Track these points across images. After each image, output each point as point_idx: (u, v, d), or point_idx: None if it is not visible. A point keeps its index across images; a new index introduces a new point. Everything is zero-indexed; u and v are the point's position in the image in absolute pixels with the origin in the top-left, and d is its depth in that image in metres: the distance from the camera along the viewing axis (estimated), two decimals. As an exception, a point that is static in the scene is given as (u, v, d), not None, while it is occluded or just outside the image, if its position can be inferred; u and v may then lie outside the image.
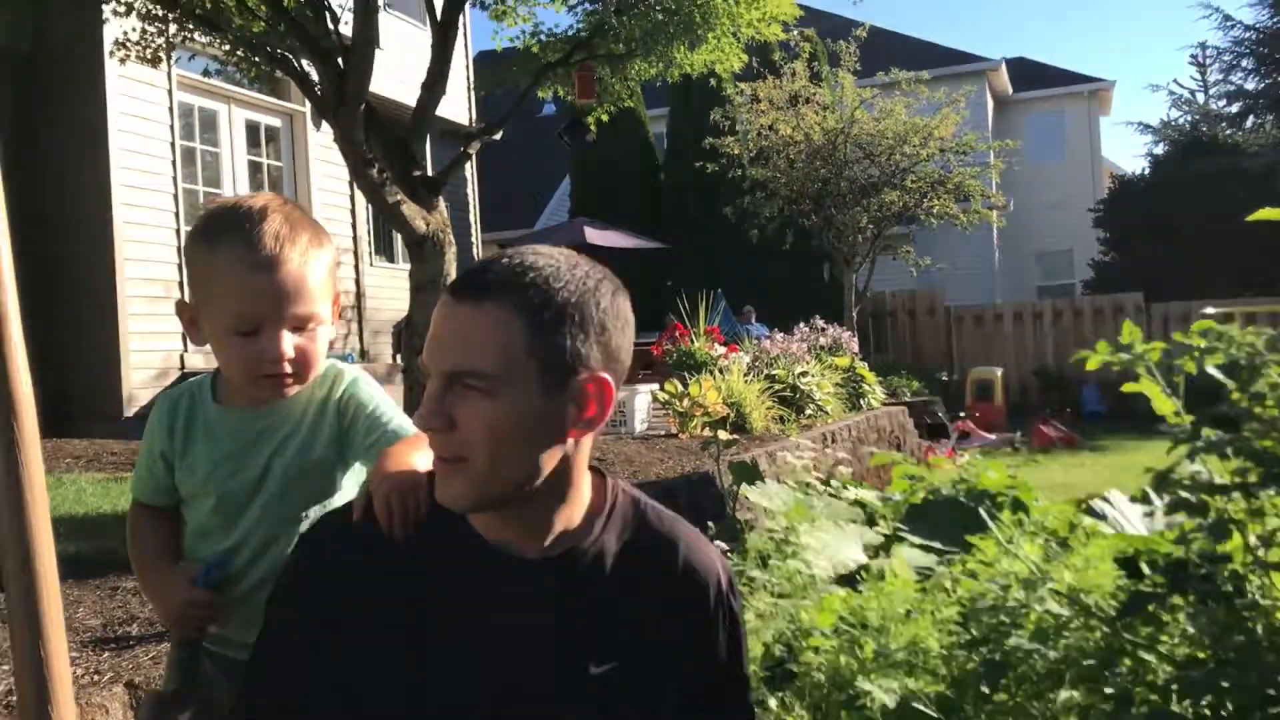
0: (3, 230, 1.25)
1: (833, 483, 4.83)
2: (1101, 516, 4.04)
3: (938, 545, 4.19)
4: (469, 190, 15.97)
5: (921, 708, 2.60)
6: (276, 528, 1.71)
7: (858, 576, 3.82)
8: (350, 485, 1.76)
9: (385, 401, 1.75)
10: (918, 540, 4.10)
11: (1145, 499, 4.79)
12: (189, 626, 1.70)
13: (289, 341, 1.63)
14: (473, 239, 15.88)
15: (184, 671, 1.73)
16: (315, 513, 1.72)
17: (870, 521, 4.68)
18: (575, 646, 1.46)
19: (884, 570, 3.43)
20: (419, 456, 1.56)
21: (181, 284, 10.17)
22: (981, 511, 2.99)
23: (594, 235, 16.89)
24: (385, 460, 1.56)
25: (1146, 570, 3.35)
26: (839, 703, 2.75)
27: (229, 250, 1.60)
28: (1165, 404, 2.82)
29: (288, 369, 1.64)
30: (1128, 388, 2.92)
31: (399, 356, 13.55)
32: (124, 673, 2.73)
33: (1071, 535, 3.40)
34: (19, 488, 1.21)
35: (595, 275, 1.46)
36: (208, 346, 1.67)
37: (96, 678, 2.70)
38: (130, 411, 9.67)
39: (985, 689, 2.45)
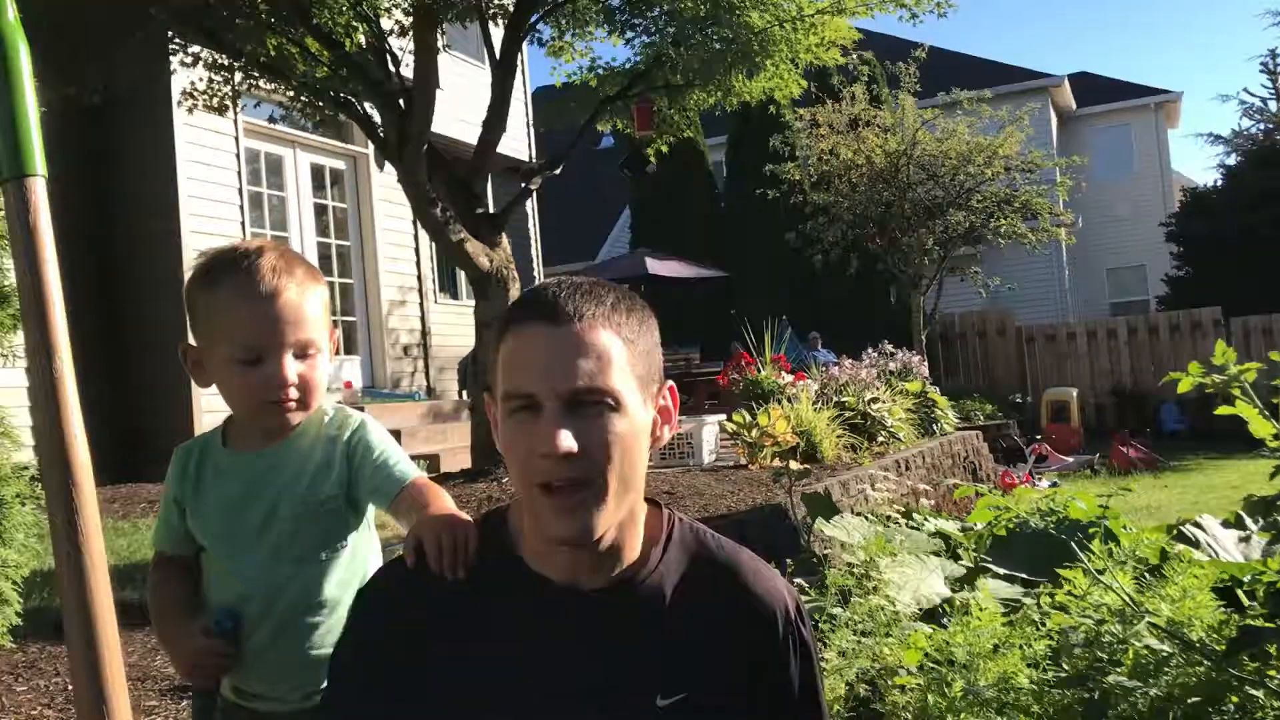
0: (57, 294, 1.22)
1: (913, 515, 4.70)
2: (1194, 543, 3.88)
3: (1023, 576, 4.06)
4: (530, 225, 16.06)
5: (1016, 750, 2.49)
6: (289, 570, 1.72)
7: (941, 610, 3.70)
8: (365, 531, 1.80)
9: (393, 447, 1.78)
10: (1002, 572, 3.97)
11: (1239, 523, 4.61)
12: (204, 676, 1.72)
13: (291, 367, 1.68)
14: (534, 273, 15.94)
15: (200, 718, 1.76)
16: (326, 556, 1.74)
17: (951, 553, 4.54)
18: (641, 679, 1.43)
19: (969, 604, 3.30)
20: (445, 500, 1.63)
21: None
22: (1072, 544, 2.85)
23: (655, 266, 16.88)
24: (424, 505, 1.61)
25: (1246, 600, 3.19)
26: (929, 744, 2.64)
27: (229, 286, 1.67)
28: (1264, 426, 2.69)
29: (292, 394, 1.69)
30: (1222, 410, 2.79)
31: (464, 393, 13.61)
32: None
33: (1165, 564, 3.26)
34: (80, 557, 1.18)
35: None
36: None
37: (174, 727, 2.68)
38: (204, 455, 9.78)
39: (1083, 730, 2.33)
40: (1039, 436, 14.28)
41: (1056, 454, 13.57)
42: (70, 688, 3.15)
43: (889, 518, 4.43)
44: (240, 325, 1.66)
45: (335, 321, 1.75)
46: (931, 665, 2.85)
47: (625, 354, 1.40)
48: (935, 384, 12.28)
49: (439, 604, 1.46)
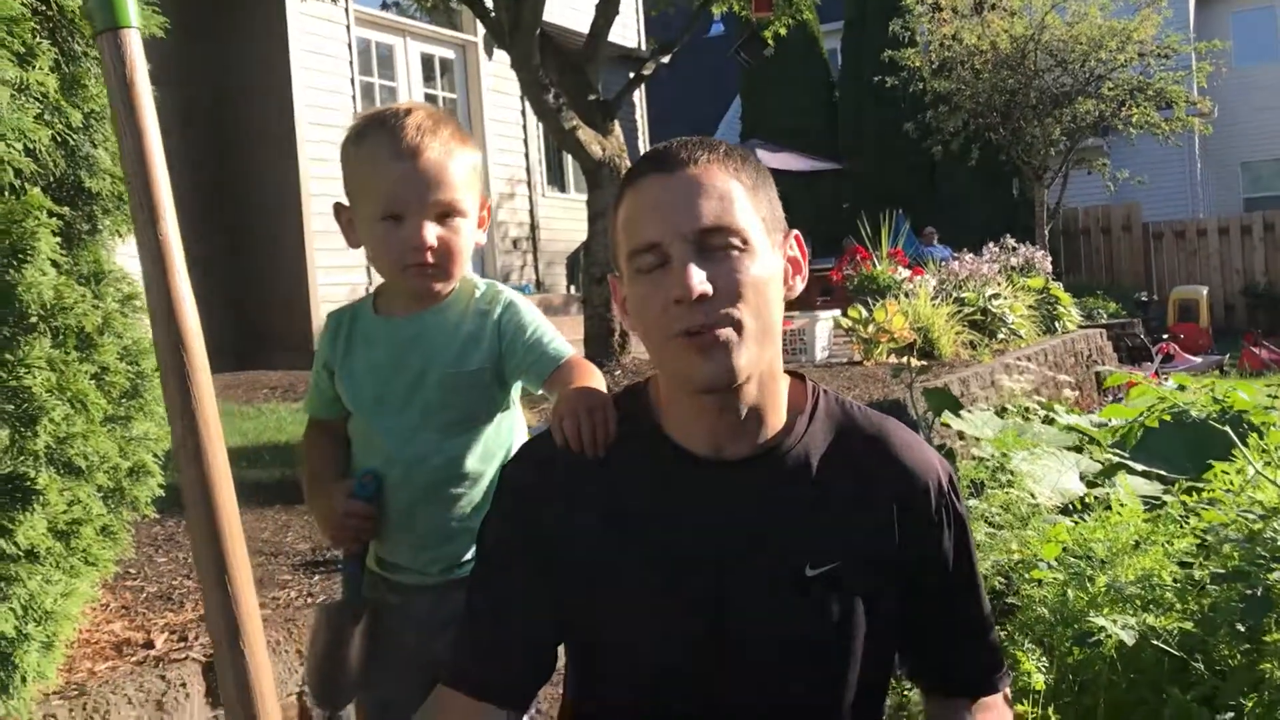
0: (159, 153, 1.15)
1: (1046, 408, 4.52)
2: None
3: (1160, 473, 3.89)
4: (637, 115, 15.80)
5: (1163, 646, 2.37)
6: (434, 438, 1.71)
7: (1074, 507, 3.56)
8: (510, 407, 1.79)
9: (545, 325, 1.76)
10: (1140, 468, 3.81)
11: (1400, 422, 4.33)
12: (347, 539, 1.72)
13: (431, 230, 1.64)
14: (628, 163, 15.72)
15: (349, 584, 1.76)
16: (471, 428, 1.73)
17: (1079, 449, 4.37)
18: (789, 547, 1.40)
19: (1108, 499, 3.16)
20: (595, 378, 1.62)
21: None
22: (1231, 434, 2.68)
23: (767, 157, 16.53)
24: (565, 384, 1.60)
25: None
26: (1068, 638, 2.53)
27: (374, 143, 1.65)
28: None
29: (430, 258, 1.65)
30: None
31: (573, 287, 13.61)
32: (336, 592, 2.76)
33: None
34: (195, 425, 1.13)
35: None
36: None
37: (310, 599, 2.74)
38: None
39: (1241, 627, 2.21)
40: (1165, 336, 13.76)
41: (1184, 354, 13.06)
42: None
43: (1026, 409, 4.27)
44: (382, 182, 1.63)
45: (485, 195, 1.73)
46: (1072, 560, 2.73)
47: (746, 195, 1.37)
48: (1057, 280, 11.87)
49: (582, 478, 1.45)
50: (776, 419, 1.43)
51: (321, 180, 10.13)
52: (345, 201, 1.73)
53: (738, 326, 1.32)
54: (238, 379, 8.10)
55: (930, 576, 1.47)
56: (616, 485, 1.44)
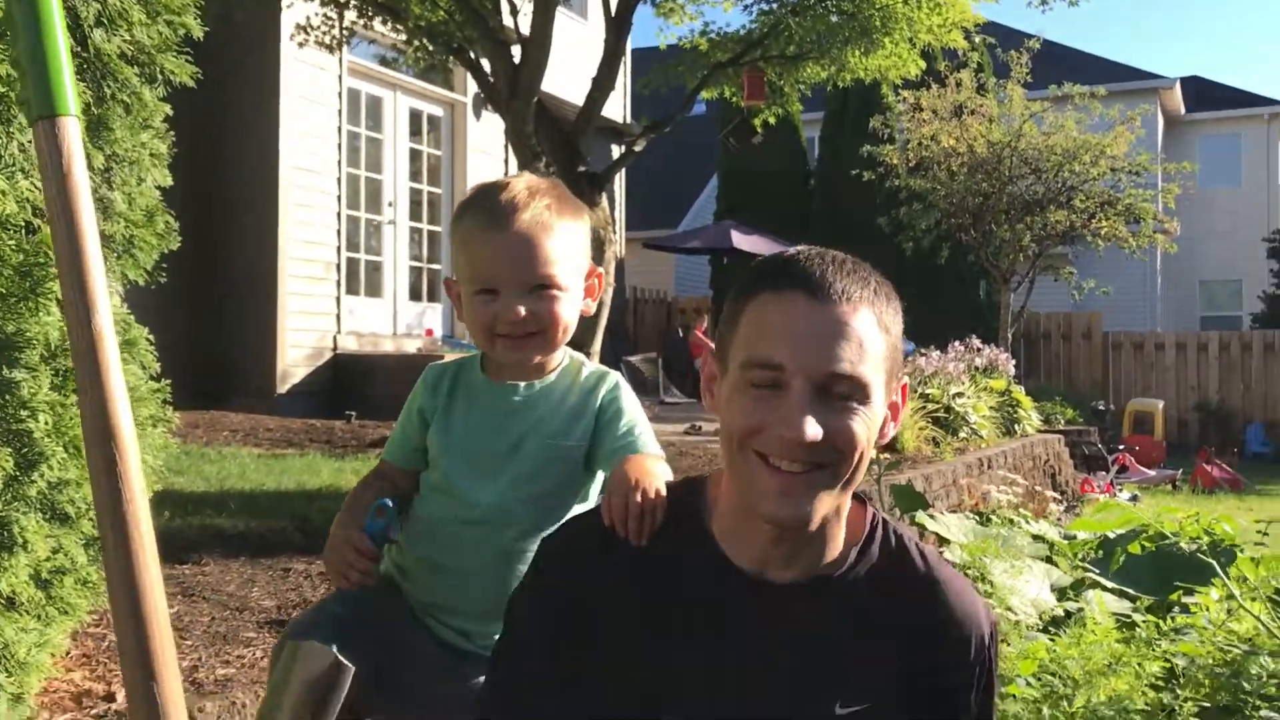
0: (94, 246, 1.13)
1: (1012, 518, 4.55)
2: (1317, 575, 3.71)
3: (1130, 592, 3.91)
4: (616, 188, 15.94)
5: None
6: (521, 507, 1.68)
7: (1047, 620, 3.57)
8: (595, 490, 1.76)
9: (642, 417, 1.74)
10: (1112, 586, 3.83)
11: (1361, 558, 4.39)
12: (340, 570, 1.66)
13: (522, 304, 1.63)
14: (616, 236, 15.85)
15: (326, 624, 1.65)
16: (559, 502, 1.70)
17: (1049, 559, 4.40)
18: (822, 682, 1.36)
19: (1082, 616, 3.18)
20: (660, 466, 1.58)
21: (336, 262, 10.43)
22: (1214, 564, 2.71)
23: (740, 240, 16.71)
24: (626, 463, 1.55)
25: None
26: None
27: (472, 217, 1.66)
28: None
29: (519, 329, 1.64)
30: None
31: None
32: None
33: (1291, 595, 3.11)
34: (124, 521, 1.10)
35: None
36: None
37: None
38: (283, 389, 9.88)
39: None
40: (1121, 446, 13.93)
41: (1138, 466, 13.24)
42: (171, 610, 3.15)
43: (1011, 520, 4.29)
44: (476, 256, 1.65)
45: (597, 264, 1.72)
46: (1048, 677, 2.73)
47: (883, 344, 1.31)
48: (1018, 383, 12.01)
49: (623, 566, 1.41)
50: (832, 548, 1.39)
51: (302, 226, 10.11)
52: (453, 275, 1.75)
53: (830, 476, 1.29)
54: (200, 419, 7.98)
55: None
56: (653, 582, 1.39)
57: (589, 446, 1.70)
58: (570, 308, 1.68)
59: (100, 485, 1.11)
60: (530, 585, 1.47)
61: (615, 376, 1.77)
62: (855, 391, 1.28)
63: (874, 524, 1.44)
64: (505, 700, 1.43)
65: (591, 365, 1.78)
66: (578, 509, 1.69)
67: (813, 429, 1.25)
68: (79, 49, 2.04)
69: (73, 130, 1.11)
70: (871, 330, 1.29)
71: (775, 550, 1.36)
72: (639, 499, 1.42)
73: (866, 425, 1.29)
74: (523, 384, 1.72)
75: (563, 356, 1.75)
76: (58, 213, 1.11)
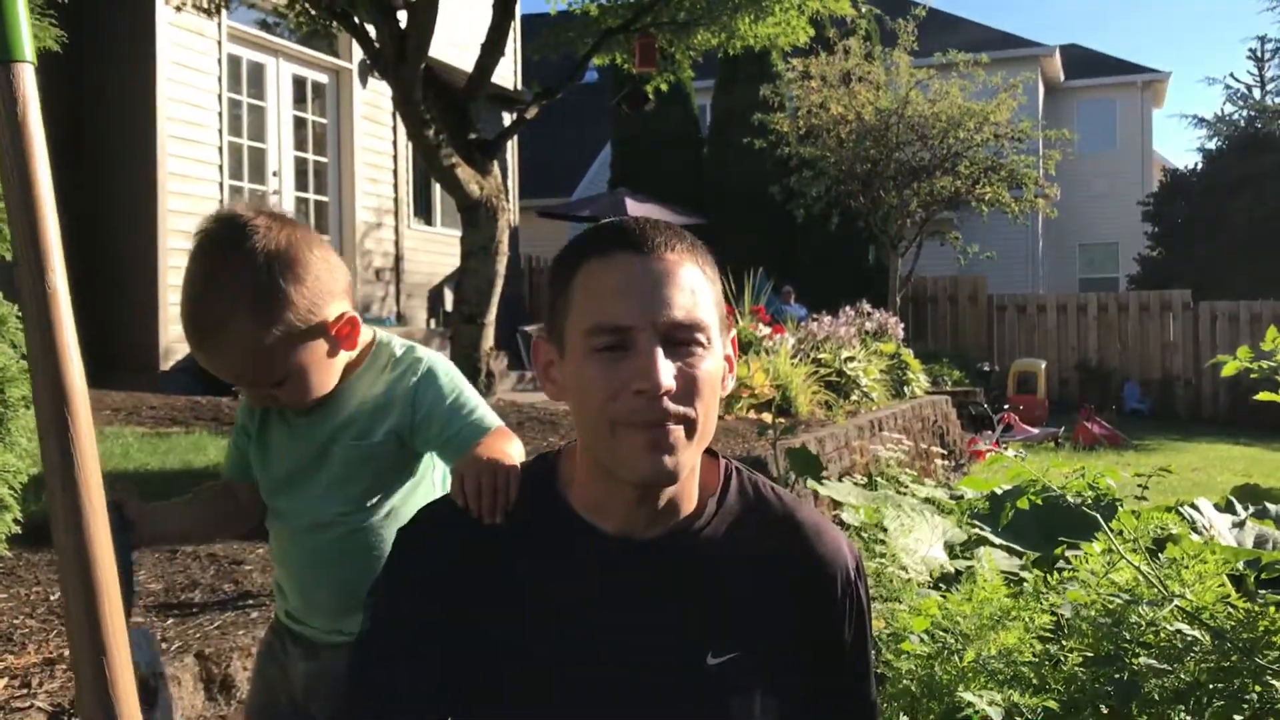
0: (49, 201, 1.08)
1: (900, 481, 4.65)
2: (1192, 525, 3.87)
3: (1018, 549, 4.03)
4: (508, 156, 15.78)
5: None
6: (339, 509, 1.67)
7: (938, 577, 3.65)
8: (431, 473, 1.75)
9: (467, 392, 1.68)
10: (999, 542, 3.94)
11: (1230, 508, 4.61)
12: None
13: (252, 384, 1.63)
14: (509, 204, 15.71)
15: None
16: (377, 500, 1.70)
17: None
18: (692, 635, 1.36)
19: (973, 573, 3.26)
20: (511, 446, 1.56)
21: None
22: (1100, 518, 2.79)
23: (634, 207, 16.69)
24: (475, 448, 1.53)
25: (1255, 588, 3.16)
26: (937, 712, 2.58)
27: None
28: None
29: (264, 392, 1.63)
30: (1264, 396, 2.74)
31: (433, 321, 13.44)
32: (192, 642, 2.62)
33: (1167, 546, 3.22)
34: (75, 488, 1.05)
35: None
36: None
37: (164, 646, 2.58)
38: (166, 365, 9.59)
39: (1104, 709, 2.29)
40: (1006, 406, 14.35)
41: (1022, 425, 13.65)
42: (51, 598, 3.03)
43: (899, 481, 4.37)
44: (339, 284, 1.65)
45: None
46: (940, 633, 2.80)
47: (711, 292, 1.35)
48: (907, 346, 12.28)
49: (482, 548, 1.39)
50: (689, 502, 1.39)
51: (181, 197, 9.78)
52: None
53: (690, 426, 1.29)
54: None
55: (827, 663, 1.44)
56: (516, 558, 1.38)
57: (407, 436, 1.66)
58: (314, 354, 1.60)
59: (51, 449, 1.06)
60: (386, 576, 1.45)
61: (427, 358, 1.70)
62: (697, 335, 1.30)
63: (728, 474, 1.45)
64: (367, 695, 1.40)
65: (400, 351, 1.70)
66: (406, 488, 1.71)
67: (667, 377, 1.26)
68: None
69: (28, 76, 1.06)
70: (699, 277, 1.33)
71: (639, 511, 1.36)
72: (490, 478, 1.40)
73: (711, 370, 1.31)
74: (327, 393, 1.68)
75: (371, 346, 1.70)
76: (10, 164, 1.05)
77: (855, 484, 4.51)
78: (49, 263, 1.06)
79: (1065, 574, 3.00)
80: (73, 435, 1.07)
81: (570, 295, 1.33)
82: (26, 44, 1.07)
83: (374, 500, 1.68)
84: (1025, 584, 3.22)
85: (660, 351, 1.27)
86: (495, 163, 7.47)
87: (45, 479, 1.07)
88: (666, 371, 1.26)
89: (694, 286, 1.31)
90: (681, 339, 1.29)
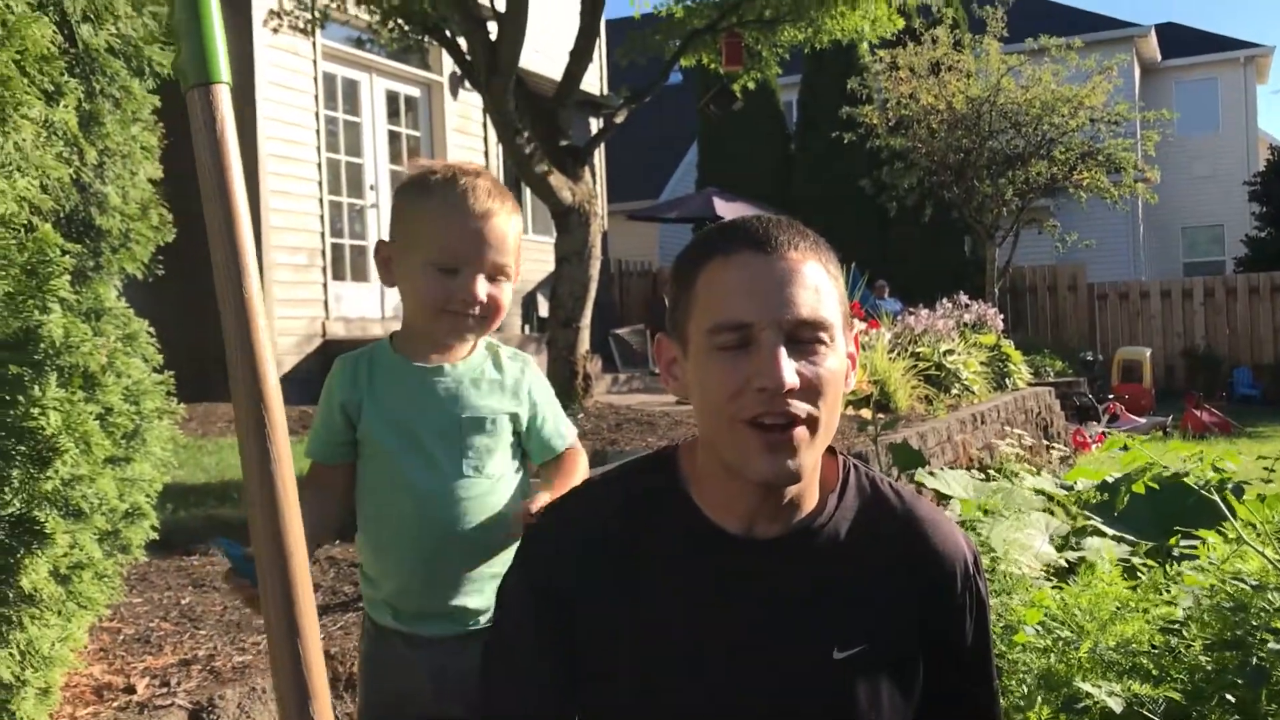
0: (244, 210, 1.15)
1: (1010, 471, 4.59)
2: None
3: (1130, 538, 3.96)
4: (597, 161, 15.87)
5: (1149, 715, 2.41)
6: (466, 479, 1.74)
7: (1051, 571, 3.61)
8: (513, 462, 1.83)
9: (555, 401, 1.88)
10: (1111, 533, 3.88)
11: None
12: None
13: (483, 285, 1.72)
14: (599, 209, 15.82)
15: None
16: (499, 473, 1.77)
17: (1049, 512, 4.44)
18: (818, 630, 1.38)
19: (1086, 564, 3.22)
20: (583, 471, 1.81)
21: (321, 249, 10.42)
22: (1220, 502, 2.74)
23: (722, 206, 16.67)
24: (562, 474, 1.78)
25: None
26: (1054, 704, 2.56)
27: (444, 198, 1.72)
28: None
29: (476, 310, 1.73)
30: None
31: (527, 327, 13.59)
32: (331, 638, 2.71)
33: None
34: (272, 481, 1.12)
35: None
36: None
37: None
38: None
39: (1231, 697, 2.25)
40: (1111, 395, 14.02)
41: (1128, 414, 13.32)
42: (182, 602, 3.17)
43: (1013, 472, 4.32)
44: (449, 235, 1.71)
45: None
46: (1055, 625, 2.77)
47: (834, 289, 1.35)
48: (1006, 337, 12.07)
49: (609, 542, 1.42)
50: (811, 499, 1.42)
51: (282, 213, 10.05)
52: (386, 239, 1.80)
53: (812, 425, 1.30)
54: (194, 410, 7.96)
55: (948, 658, 1.45)
56: (643, 556, 1.41)
57: (516, 425, 1.80)
58: (509, 295, 1.78)
59: (250, 446, 1.14)
60: (517, 571, 1.48)
61: (530, 359, 1.86)
62: (821, 334, 1.31)
63: (846, 470, 1.47)
64: (503, 692, 1.43)
65: (508, 348, 1.85)
66: (517, 475, 1.80)
67: (790, 375, 1.27)
68: (67, 45, 2.03)
69: (225, 97, 1.16)
70: (822, 276, 1.33)
71: (762, 507, 1.38)
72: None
73: (836, 369, 1.32)
74: (446, 364, 1.77)
75: (486, 335, 1.83)
76: (211, 177, 1.14)
77: (963, 475, 4.47)
78: (246, 270, 1.16)
79: (1184, 566, 2.95)
80: (269, 432, 1.15)
81: (694, 294, 1.35)
82: (224, 67, 1.16)
83: (496, 474, 1.76)
84: (1141, 574, 3.17)
85: (783, 349, 1.28)
86: (586, 168, 7.55)
87: (243, 473, 1.15)
88: (789, 369, 1.27)
89: (818, 284, 1.32)
90: (805, 337, 1.30)
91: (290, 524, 1.15)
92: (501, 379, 1.80)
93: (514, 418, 1.79)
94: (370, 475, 1.78)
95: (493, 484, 1.76)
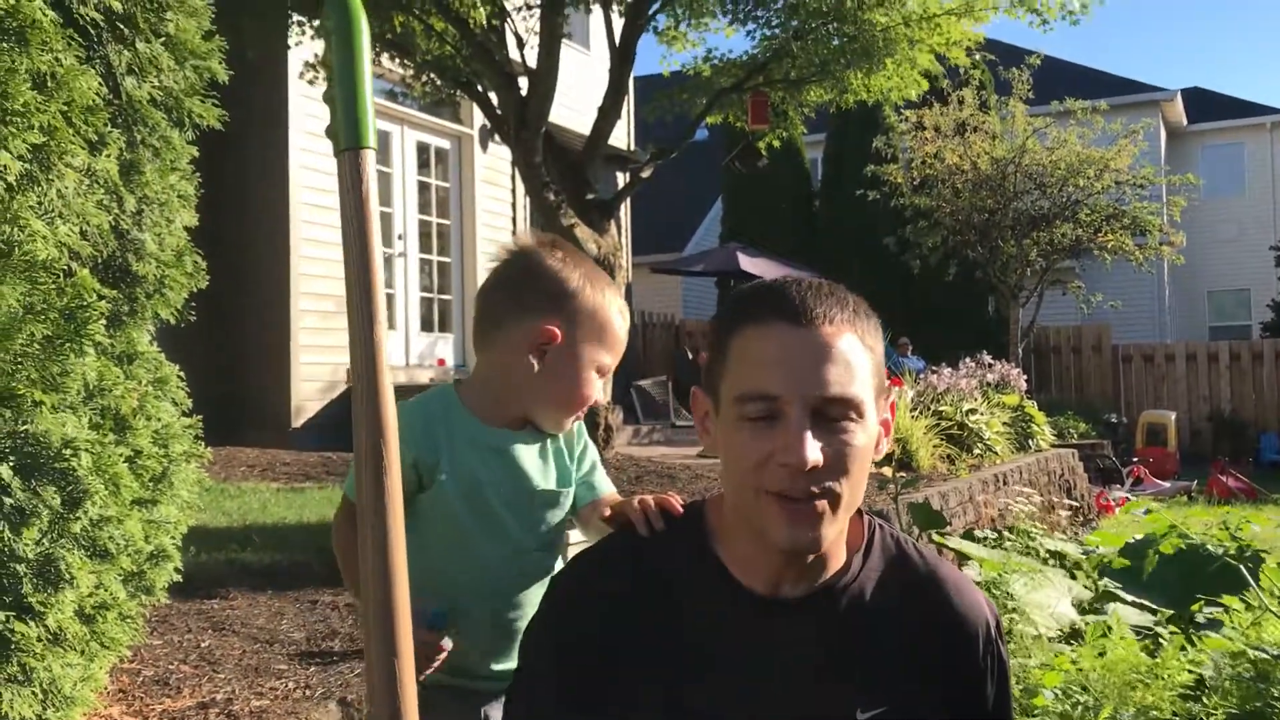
0: (380, 264, 1.24)
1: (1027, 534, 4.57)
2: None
3: (1148, 604, 3.92)
4: (623, 214, 16.02)
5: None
6: (535, 553, 1.75)
7: (1066, 632, 3.58)
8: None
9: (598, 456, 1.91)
10: (1130, 599, 3.85)
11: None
12: (421, 665, 1.61)
13: (599, 384, 1.76)
14: (625, 261, 15.91)
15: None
16: (558, 545, 1.78)
17: (1069, 574, 4.41)
18: (841, 690, 1.37)
19: (1103, 628, 3.19)
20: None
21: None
22: (1244, 571, 2.73)
23: (747, 262, 16.73)
24: (602, 505, 1.76)
25: None
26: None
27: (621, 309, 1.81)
28: None
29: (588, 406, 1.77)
30: None
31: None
32: (334, 689, 2.73)
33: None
34: (385, 513, 1.21)
35: None
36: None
37: (308, 692, 2.69)
38: (298, 423, 9.92)
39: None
40: (1135, 459, 13.91)
41: (1152, 478, 13.21)
42: (201, 645, 3.18)
43: (1029, 534, 4.30)
44: (620, 346, 1.77)
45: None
46: (1074, 689, 2.75)
47: (869, 363, 1.33)
48: (1029, 398, 12.01)
49: (635, 597, 1.42)
50: (836, 560, 1.41)
51: (312, 261, 10.17)
52: (563, 319, 1.77)
53: (834, 500, 1.29)
54: (216, 454, 8.03)
55: None
56: (665, 609, 1.41)
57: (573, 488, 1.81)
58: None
59: (367, 477, 1.21)
60: (542, 622, 1.48)
61: (580, 422, 1.87)
62: (850, 412, 1.29)
63: (870, 530, 1.46)
64: None
65: None
66: (561, 541, 1.80)
67: (814, 454, 1.26)
68: (112, 97, 2.09)
69: (370, 161, 1.25)
70: (856, 349, 1.31)
71: (786, 571, 1.38)
72: (647, 501, 1.52)
73: (862, 444, 1.31)
74: (526, 433, 1.76)
75: None
76: (353, 230, 1.23)
77: (980, 539, 4.45)
78: (377, 318, 1.23)
79: (1206, 634, 2.92)
80: (385, 465, 1.22)
81: (726, 357, 1.36)
82: (371, 132, 1.26)
83: (555, 543, 1.79)
84: (1162, 641, 3.14)
85: (809, 427, 1.27)
86: (611, 221, 7.62)
87: (358, 503, 1.21)
88: (814, 448, 1.26)
89: (850, 359, 1.30)
90: (833, 414, 1.29)
91: (396, 556, 1.22)
92: (565, 448, 1.80)
93: (572, 484, 1.80)
94: (429, 535, 1.70)
95: (555, 552, 1.77)
